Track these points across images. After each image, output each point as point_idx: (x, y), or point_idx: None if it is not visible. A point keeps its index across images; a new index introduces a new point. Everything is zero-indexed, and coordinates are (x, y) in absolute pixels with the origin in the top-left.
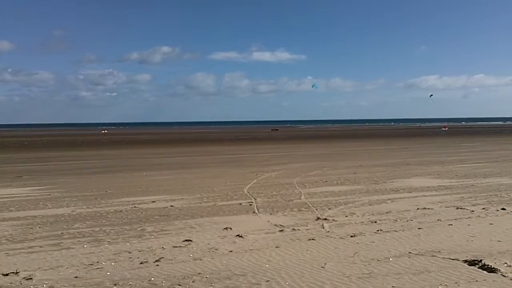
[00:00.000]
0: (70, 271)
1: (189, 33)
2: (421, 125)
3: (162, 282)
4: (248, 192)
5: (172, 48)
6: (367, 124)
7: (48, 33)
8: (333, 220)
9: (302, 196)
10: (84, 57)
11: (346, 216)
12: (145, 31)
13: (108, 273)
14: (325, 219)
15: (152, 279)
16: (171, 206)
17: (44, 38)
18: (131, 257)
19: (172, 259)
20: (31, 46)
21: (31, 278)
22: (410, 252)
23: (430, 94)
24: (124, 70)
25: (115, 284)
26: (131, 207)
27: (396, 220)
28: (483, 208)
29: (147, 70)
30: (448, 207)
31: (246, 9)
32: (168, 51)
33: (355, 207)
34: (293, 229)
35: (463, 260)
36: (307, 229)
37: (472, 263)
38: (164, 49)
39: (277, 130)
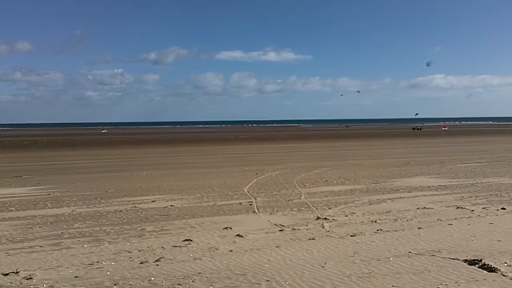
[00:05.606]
0: (70, 270)
1: (198, 33)
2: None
3: (162, 281)
4: (248, 192)
5: (186, 49)
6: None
7: (67, 34)
8: (333, 219)
9: (302, 196)
10: (100, 58)
11: (346, 216)
12: (161, 31)
13: (108, 273)
14: (325, 218)
15: (152, 278)
16: (171, 205)
17: (62, 39)
18: (131, 257)
19: (172, 259)
20: (49, 46)
21: (31, 278)
22: (410, 252)
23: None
24: (135, 70)
25: (115, 284)
26: (131, 207)
27: (396, 220)
28: (483, 208)
29: (157, 70)
30: (448, 206)
31: (251, 9)
32: (182, 51)
33: (355, 206)
34: (293, 228)
35: (463, 260)
36: (307, 229)
37: (472, 262)
38: (177, 50)
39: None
